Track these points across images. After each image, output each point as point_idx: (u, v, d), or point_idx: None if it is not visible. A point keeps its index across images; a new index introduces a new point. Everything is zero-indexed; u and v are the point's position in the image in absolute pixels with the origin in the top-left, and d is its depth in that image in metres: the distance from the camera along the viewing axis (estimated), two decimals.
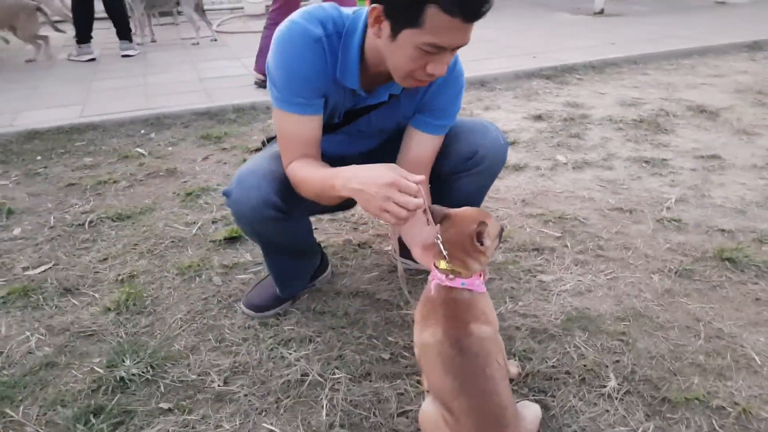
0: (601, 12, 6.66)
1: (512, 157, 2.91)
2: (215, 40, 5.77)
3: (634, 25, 5.98)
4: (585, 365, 1.56)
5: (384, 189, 1.18)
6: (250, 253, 2.09)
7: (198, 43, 5.64)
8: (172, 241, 2.16)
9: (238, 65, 4.80)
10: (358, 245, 2.16)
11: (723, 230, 2.20)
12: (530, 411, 1.29)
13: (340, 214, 2.34)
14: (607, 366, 1.56)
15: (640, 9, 6.71)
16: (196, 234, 2.22)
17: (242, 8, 7.31)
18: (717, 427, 1.38)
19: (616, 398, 1.46)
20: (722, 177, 2.67)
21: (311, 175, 1.38)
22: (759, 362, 1.57)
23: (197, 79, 4.38)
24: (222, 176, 2.74)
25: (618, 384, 1.50)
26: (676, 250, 2.08)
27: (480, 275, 1.27)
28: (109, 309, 1.78)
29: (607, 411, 1.43)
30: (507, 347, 1.61)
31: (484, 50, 5.07)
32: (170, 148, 3.10)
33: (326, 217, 2.35)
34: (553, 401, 1.46)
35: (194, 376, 1.54)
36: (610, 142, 3.11)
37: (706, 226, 2.24)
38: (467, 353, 1.18)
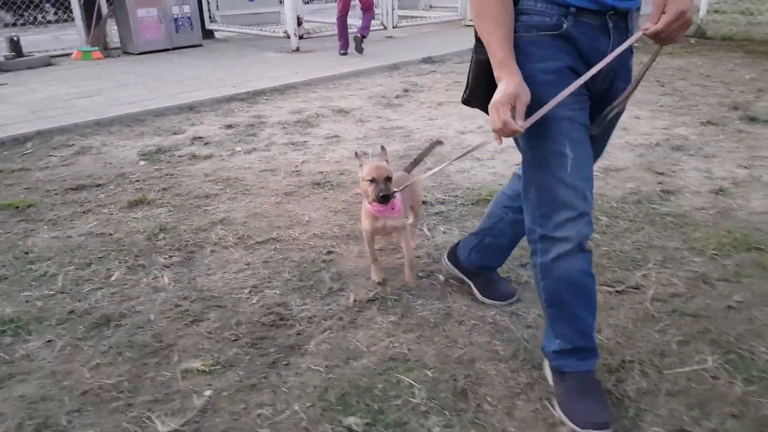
0: (297, 50, 8.37)
1: (202, 151, 4.18)
2: None
3: (318, 59, 7.74)
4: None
5: (499, 109, 1.43)
6: None
7: None
8: None
9: None
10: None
11: (321, 172, 3.71)
12: None
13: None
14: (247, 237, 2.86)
15: (329, 46, 8.56)
16: None
17: None
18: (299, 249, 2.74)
19: (269, 262, 2.75)
20: (337, 147, 4.24)
21: (495, 27, 1.46)
22: (311, 221, 3.00)
23: None
24: None
25: (271, 251, 2.80)
26: (291, 185, 3.51)
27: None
28: None
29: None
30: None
31: (195, 84, 6.30)
32: None
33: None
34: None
35: None
36: (274, 136, 4.55)
37: (315, 172, 3.73)
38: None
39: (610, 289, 2.23)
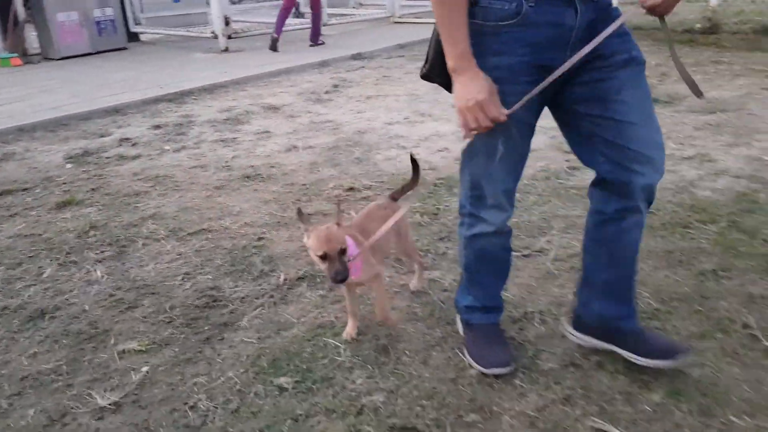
0: (226, 50, 8.37)
1: (131, 151, 4.20)
2: None
3: (247, 59, 7.78)
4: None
5: (484, 107, 1.44)
6: None
7: None
8: None
9: None
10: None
11: (251, 166, 3.81)
12: None
13: None
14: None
15: (259, 45, 8.59)
16: None
17: None
18: None
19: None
20: (267, 141, 4.35)
21: (455, 14, 1.43)
22: (242, 212, 3.11)
23: None
24: None
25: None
26: (222, 179, 3.60)
27: None
28: None
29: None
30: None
31: (120, 87, 6.24)
32: None
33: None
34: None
35: None
36: (204, 134, 4.60)
37: (245, 166, 3.83)
38: None
39: (518, 253, 2.45)
